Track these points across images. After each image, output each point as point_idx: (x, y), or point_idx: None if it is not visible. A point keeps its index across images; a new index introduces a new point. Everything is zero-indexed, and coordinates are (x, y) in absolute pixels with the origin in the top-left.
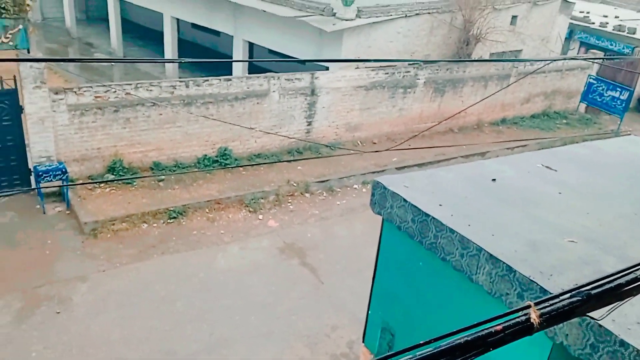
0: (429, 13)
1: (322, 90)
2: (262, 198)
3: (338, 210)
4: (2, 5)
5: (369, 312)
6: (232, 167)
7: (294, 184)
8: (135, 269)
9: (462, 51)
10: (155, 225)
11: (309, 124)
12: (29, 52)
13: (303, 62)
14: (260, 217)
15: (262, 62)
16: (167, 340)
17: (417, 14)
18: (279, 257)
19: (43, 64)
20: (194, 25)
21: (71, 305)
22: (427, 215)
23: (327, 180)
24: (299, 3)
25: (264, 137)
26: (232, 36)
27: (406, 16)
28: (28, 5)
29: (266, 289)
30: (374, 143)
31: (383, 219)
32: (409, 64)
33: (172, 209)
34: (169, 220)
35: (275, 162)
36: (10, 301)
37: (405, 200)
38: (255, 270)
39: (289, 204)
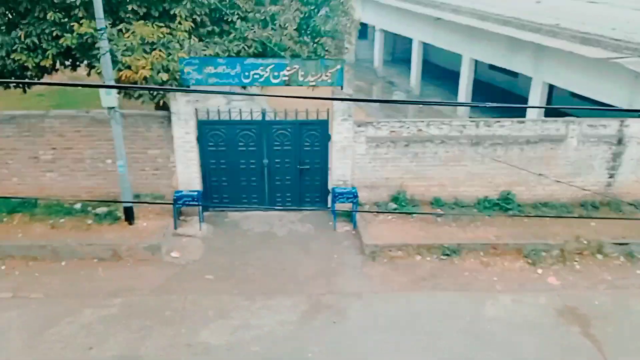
0: None
1: (632, 139)
2: (543, 251)
3: (638, 280)
4: (327, 48)
5: None
6: (514, 215)
7: (585, 242)
8: (405, 297)
9: None
10: (428, 258)
11: (611, 176)
12: (342, 88)
13: (616, 110)
14: (540, 271)
15: (561, 108)
16: None
17: None
18: (556, 319)
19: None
20: (491, 66)
21: (345, 318)
22: None
23: (627, 244)
24: (614, 44)
25: (553, 185)
26: (531, 78)
27: None
28: (347, 48)
29: (538, 352)
30: None
31: None
32: None
33: (446, 245)
34: (442, 257)
35: (565, 216)
36: (298, 302)
37: None
38: (527, 327)
39: (575, 263)
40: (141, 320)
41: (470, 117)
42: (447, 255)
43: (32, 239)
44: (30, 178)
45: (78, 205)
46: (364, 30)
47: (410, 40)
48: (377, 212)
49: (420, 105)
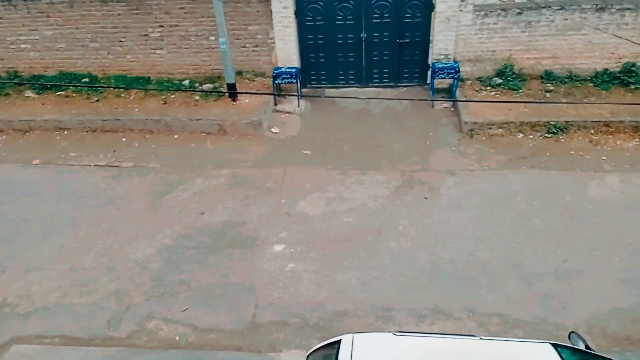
0: None
1: None
2: None
3: None
4: None
5: None
6: (635, 88)
7: None
8: (501, 176)
9: None
10: (531, 136)
11: None
12: None
13: None
14: None
15: None
16: (517, 252)
17: None
18: None
19: None
20: None
21: (438, 194)
22: None
23: None
24: None
25: None
26: None
27: None
28: None
29: None
30: None
31: None
32: None
33: (553, 123)
34: (546, 135)
35: None
36: (391, 178)
37: None
38: (632, 209)
39: None
40: (245, 190)
41: None
42: (553, 133)
43: (147, 114)
44: (142, 55)
45: (186, 82)
46: None
47: None
48: (467, 101)
49: None
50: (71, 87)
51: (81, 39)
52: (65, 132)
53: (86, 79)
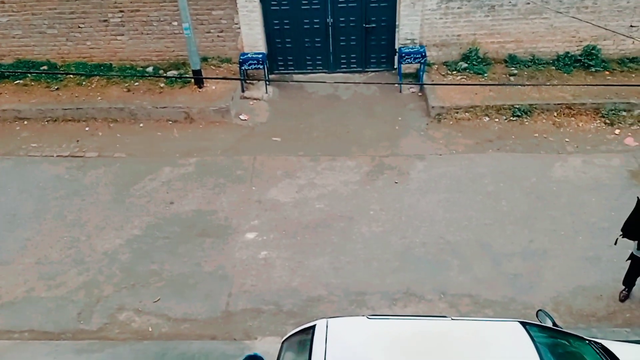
0: None
1: None
2: (625, 110)
3: None
4: None
5: None
6: (595, 70)
7: None
8: (468, 159)
9: None
10: (496, 120)
11: None
12: None
13: None
14: (617, 131)
15: None
16: (485, 233)
17: None
18: (628, 181)
19: None
20: None
21: (407, 178)
22: None
23: None
24: None
25: None
26: None
27: None
28: None
29: (603, 212)
30: None
31: None
32: None
33: (517, 106)
34: (511, 118)
35: None
36: (361, 163)
37: None
38: (595, 188)
39: None
40: (215, 178)
41: None
42: (518, 116)
43: (110, 102)
44: (102, 41)
45: (150, 69)
46: None
47: None
48: (440, 84)
49: None
50: (29, 75)
51: (38, 26)
52: (25, 122)
53: (45, 67)
